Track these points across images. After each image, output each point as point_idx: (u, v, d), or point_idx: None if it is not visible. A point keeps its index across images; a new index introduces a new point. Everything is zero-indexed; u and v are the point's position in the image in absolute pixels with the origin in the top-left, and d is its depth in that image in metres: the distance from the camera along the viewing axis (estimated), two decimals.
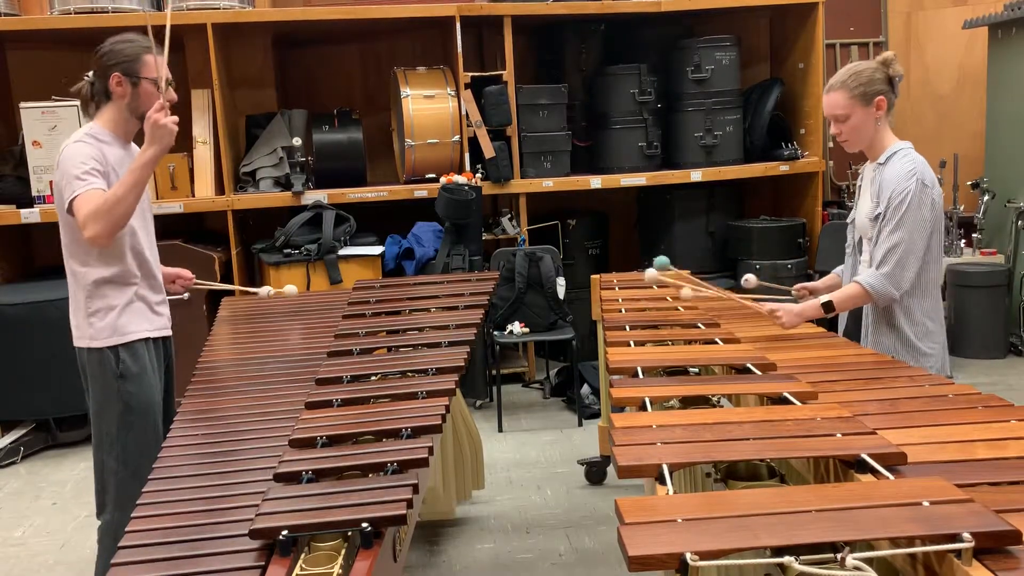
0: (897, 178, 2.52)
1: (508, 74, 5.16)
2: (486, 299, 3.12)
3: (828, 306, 2.57)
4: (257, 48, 5.45)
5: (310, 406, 2.11)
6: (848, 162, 6.19)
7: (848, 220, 2.83)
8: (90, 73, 2.61)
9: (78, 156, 2.47)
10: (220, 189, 4.95)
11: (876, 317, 2.65)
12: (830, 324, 2.90)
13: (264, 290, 3.35)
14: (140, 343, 2.63)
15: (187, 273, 3.01)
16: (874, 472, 1.52)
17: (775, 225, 5.52)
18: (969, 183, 5.83)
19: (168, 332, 2.79)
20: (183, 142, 4.95)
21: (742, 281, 3.00)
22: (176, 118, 2.52)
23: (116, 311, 2.59)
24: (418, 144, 5.07)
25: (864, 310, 2.70)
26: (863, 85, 2.55)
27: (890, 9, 6.48)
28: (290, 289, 3.37)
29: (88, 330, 2.60)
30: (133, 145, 2.70)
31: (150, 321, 2.68)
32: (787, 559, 1.20)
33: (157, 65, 2.56)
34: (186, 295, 3.04)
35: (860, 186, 2.78)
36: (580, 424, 4.67)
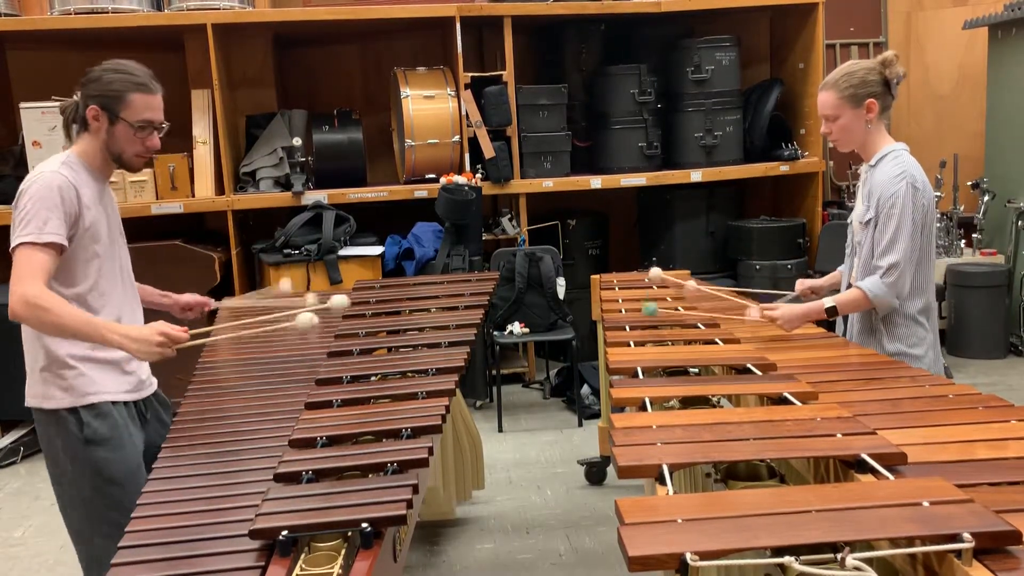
0: (885, 182, 2.49)
1: (508, 74, 5.16)
2: (486, 299, 3.11)
3: (831, 310, 2.56)
4: (257, 48, 5.45)
5: (310, 406, 2.11)
6: (848, 162, 6.19)
7: (848, 221, 2.83)
8: (78, 93, 2.29)
9: (50, 196, 2.13)
10: (220, 189, 4.95)
11: (861, 327, 2.65)
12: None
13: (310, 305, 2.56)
14: (107, 404, 2.23)
15: (206, 300, 2.66)
16: (874, 472, 1.52)
17: (775, 225, 5.52)
18: (969, 183, 5.83)
19: (146, 393, 2.38)
20: (183, 142, 4.97)
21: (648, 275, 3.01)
22: (171, 351, 2.12)
23: (72, 369, 2.20)
24: (418, 144, 5.07)
25: (850, 319, 2.70)
26: (853, 87, 2.51)
27: (890, 9, 6.48)
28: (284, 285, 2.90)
29: (39, 387, 2.21)
30: (109, 189, 2.40)
31: (117, 382, 2.27)
32: (787, 559, 1.20)
33: (142, 108, 2.23)
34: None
35: (859, 187, 2.77)
36: (580, 424, 4.67)
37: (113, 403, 2.25)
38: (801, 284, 2.89)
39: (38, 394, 2.23)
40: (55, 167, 2.20)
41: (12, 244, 2.11)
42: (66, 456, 2.21)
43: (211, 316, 2.95)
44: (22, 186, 2.19)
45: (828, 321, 2.77)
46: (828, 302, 2.57)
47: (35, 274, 2.07)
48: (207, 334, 2.24)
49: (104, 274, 2.27)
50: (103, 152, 2.27)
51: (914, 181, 2.47)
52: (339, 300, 2.56)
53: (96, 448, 2.19)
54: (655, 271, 3.05)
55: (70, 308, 2.11)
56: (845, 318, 2.73)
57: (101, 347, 2.19)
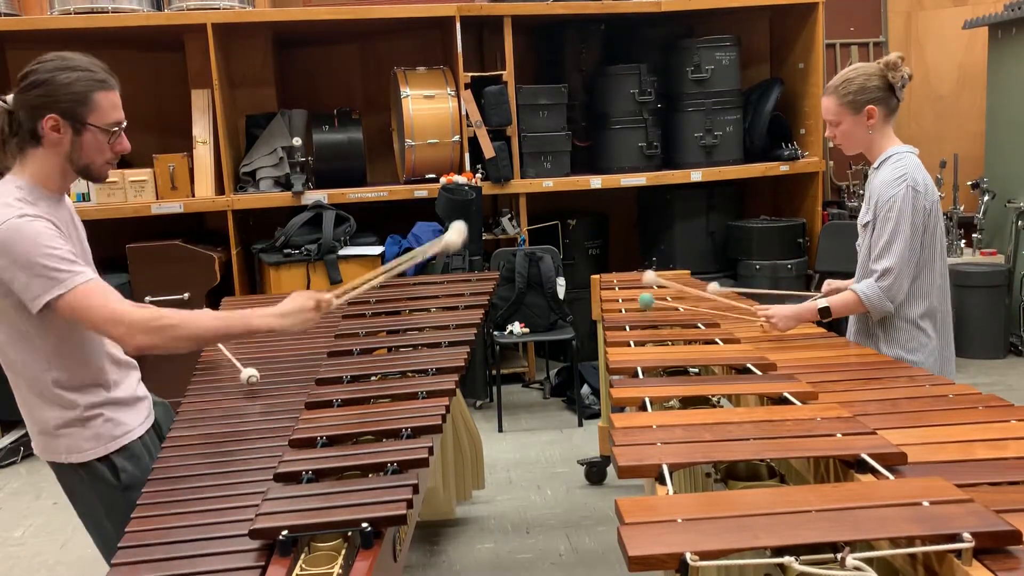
0: (884, 185, 2.47)
1: (508, 74, 5.16)
2: (486, 299, 3.11)
3: (825, 311, 2.55)
4: (257, 48, 5.45)
5: (310, 406, 2.11)
6: (848, 162, 6.19)
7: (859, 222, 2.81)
8: (7, 98, 1.93)
9: (40, 240, 1.83)
10: (220, 189, 4.95)
11: (858, 329, 2.64)
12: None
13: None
14: (135, 443, 2.08)
15: None
16: (874, 472, 1.52)
17: (775, 225, 5.51)
18: (969, 183, 5.83)
19: (153, 416, 2.22)
20: (183, 142, 4.97)
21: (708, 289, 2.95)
22: (319, 313, 2.11)
23: (97, 418, 2.01)
24: (418, 144, 5.07)
25: (849, 321, 2.69)
26: (852, 93, 2.50)
27: (890, 9, 6.49)
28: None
29: (61, 442, 2.00)
30: (67, 199, 2.06)
31: (138, 415, 2.13)
32: (787, 559, 1.20)
33: (110, 108, 1.95)
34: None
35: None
36: (580, 424, 4.66)
37: (140, 438, 2.10)
38: (828, 285, 2.85)
39: (60, 449, 2.01)
40: (14, 210, 1.85)
41: (43, 302, 1.84)
42: (102, 506, 2.03)
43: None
44: None
45: (834, 324, 2.77)
46: (822, 303, 2.57)
47: (120, 300, 1.89)
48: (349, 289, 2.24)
49: None
50: (64, 167, 1.96)
51: (915, 184, 2.45)
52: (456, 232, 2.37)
53: (133, 492, 1.93)
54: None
55: (196, 314, 1.99)
56: (845, 321, 2.73)
57: (116, 386, 2.06)
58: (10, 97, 1.94)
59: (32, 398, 2.00)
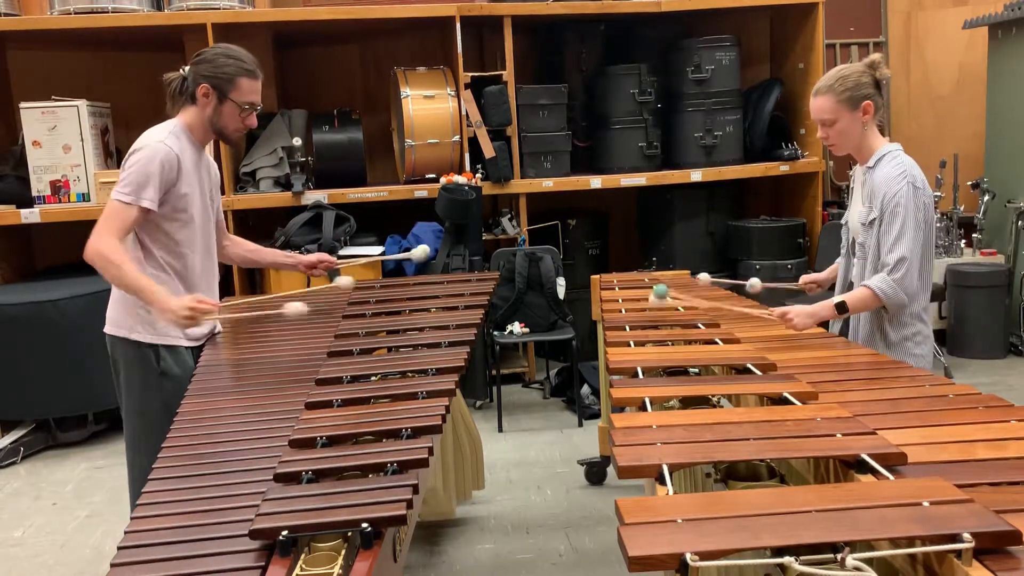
0: (887, 181, 2.50)
1: (508, 74, 5.16)
2: (486, 299, 3.11)
3: (842, 307, 2.55)
4: (257, 48, 5.40)
5: (310, 406, 2.11)
6: (848, 163, 6.18)
7: (842, 221, 2.84)
8: (185, 68, 2.62)
9: (152, 164, 2.47)
10: (220, 189, 4.95)
11: (870, 328, 2.64)
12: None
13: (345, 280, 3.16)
14: (182, 348, 2.66)
15: (330, 258, 3.17)
16: (874, 472, 1.52)
17: (775, 225, 5.52)
18: (969, 183, 5.83)
19: (202, 341, 2.75)
20: None
21: (747, 287, 2.98)
22: (196, 321, 2.48)
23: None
24: (418, 144, 5.07)
25: (859, 321, 2.70)
26: (849, 90, 2.52)
27: (890, 9, 6.49)
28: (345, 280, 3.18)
29: (129, 320, 2.60)
30: (207, 154, 2.73)
31: (189, 331, 2.64)
32: (787, 559, 1.20)
33: (248, 91, 2.60)
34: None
35: (852, 188, 2.78)
36: (580, 424, 4.67)
37: (186, 347, 2.67)
38: (804, 278, 2.90)
39: (123, 326, 2.60)
40: (163, 136, 2.53)
41: (111, 196, 2.47)
42: (140, 382, 2.61)
43: None
44: (133, 147, 2.52)
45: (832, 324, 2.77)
46: (839, 299, 2.57)
47: (115, 229, 2.44)
48: (229, 310, 2.69)
49: (188, 240, 2.63)
50: (206, 124, 2.61)
51: (914, 180, 2.50)
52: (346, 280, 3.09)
53: (167, 381, 2.60)
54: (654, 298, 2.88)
55: (134, 271, 2.45)
56: (847, 322, 2.73)
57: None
58: (187, 68, 2.61)
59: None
